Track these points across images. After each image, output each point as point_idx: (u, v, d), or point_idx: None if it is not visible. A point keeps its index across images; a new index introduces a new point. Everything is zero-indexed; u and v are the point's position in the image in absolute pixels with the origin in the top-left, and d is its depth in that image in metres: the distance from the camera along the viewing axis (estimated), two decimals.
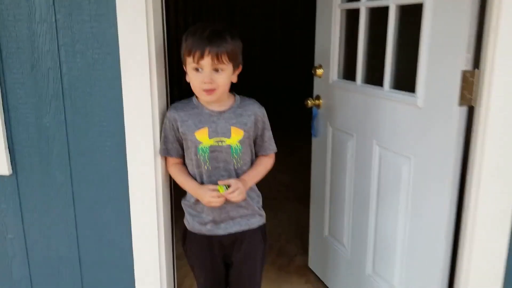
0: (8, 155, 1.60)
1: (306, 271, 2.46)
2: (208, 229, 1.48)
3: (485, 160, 1.33)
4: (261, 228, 1.55)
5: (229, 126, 1.42)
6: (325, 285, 2.30)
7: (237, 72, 1.42)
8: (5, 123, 1.58)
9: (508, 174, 1.32)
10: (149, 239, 1.60)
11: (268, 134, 1.52)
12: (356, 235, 1.99)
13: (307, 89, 2.41)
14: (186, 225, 1.53)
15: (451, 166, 1.46)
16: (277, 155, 1.58)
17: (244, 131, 1.43)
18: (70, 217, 1.64)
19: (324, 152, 2.17)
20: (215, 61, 1.32)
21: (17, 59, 1.52)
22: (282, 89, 6.81)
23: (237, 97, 1.49)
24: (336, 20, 1.96)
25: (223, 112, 1.43)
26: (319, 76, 2.13)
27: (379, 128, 1.76)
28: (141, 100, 1.46)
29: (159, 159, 1.53)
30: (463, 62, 1.34)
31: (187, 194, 1.51)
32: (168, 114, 1.45)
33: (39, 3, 1.46)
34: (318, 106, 2.16)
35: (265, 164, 1.53)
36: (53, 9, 1.46)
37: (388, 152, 1.74)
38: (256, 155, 1.53)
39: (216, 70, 1.34)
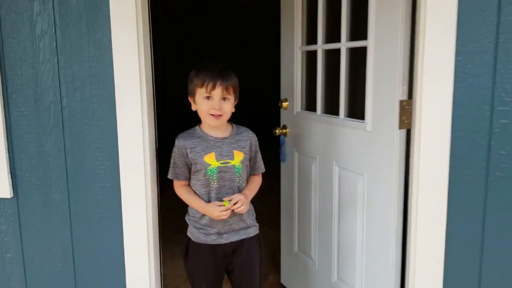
0: (10, 179, 1.79)
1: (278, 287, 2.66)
2: (212, 239, 1.72)
3: (421, 172, 1.63)
4: (257, 236, 1.82)
5: (232, 149, 1.70)
6: None
7: (235, 103, 1.71)
8: (8, 151, 1.78)
9: (439, 183, 1.61)
10: (140, 253, 1.80)
11: (259, 156, 1.81)
12: (322, 248, 2.24)
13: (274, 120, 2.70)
14: (191, 237, 1.76)
15: (396, 179, 1.75)
16: None
17: (244, 153, 1.72)
18: (67, 235, 1.83)
19: (291, 175, 2.44)
20: (224, 92, 1.62)
21: (22, 94, 1.74)
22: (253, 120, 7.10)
23: (234, 125, 1.78)
24: (297, 60, 2.28)
25: (226, 138, 1.71)
26: (285, 108, 2.42)
27: (337, 150, 2.05)
28: (134, 128, 1.70)
29: (149, 181, 1.75)
30: (400, 93, 1.66)
31: (191, 211, 1.76)
32: (178, 143, 1.71)
33: (43, 46, 1.70)
34: (285, 134, 2.44)
35: (257, 181, 1.82)
36: (55, 52, 1.70)
37: (346, 171, 2.02)
38: (249, 175, 1.80)
39: (224, 99, 1.63)
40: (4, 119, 1.75)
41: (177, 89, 5.83)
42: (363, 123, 1.86)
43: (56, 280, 1.87)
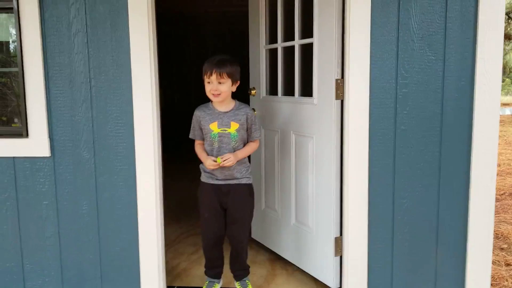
0: (49, 142, 2.37)
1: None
2: (214, 181, 2.41)
3: (351, 129, 2.33)
4: (248, 185, 2.46)
5: (230, 121, 2.35)
6: (264, 246, 3.17)
7: (235, 85, 2.34)
8: (47, 120, 2.35)
9: (362, 135, 2.32)
10: (149, 194, 2.40)
11: (254, 127, 2.41)
12: (284, 200, 2.91)
13: None
14: (201, 179, 2.45)
15: (334, 138, 2.45)
16: None
17: (240, 124, 2.36)
18: (92, 184, 2.41)
19: (259, 147, 3.11)
20: (219, 77, 2.26)
21: (59, 77, 2.33)
22: None
23: (237, 102, 2.41)
24: (262, 56, 2.97)
25: (227, 112, 2.36)
26: (253, 95, 3.10)
27: (294, 122, 2.74)
28: (145, 100, 2.33)
29: (157, 142, 2.37)
30: (335, 74, 2.38)
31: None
32: (195, 112, 2.40)
33: (77, 41, 2.31)
34: None
35: (251, 146, 2.44)
36: (86, 45, 2.31)
37: (300, 137, 2.72)
38: (247, 141, 2.46)
39: (220, 83, 2.27)
40: (45, 95, 2.33)
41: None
42: (311, 99, 2.57)
43: (83, 220, 2.44)
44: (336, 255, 2.54)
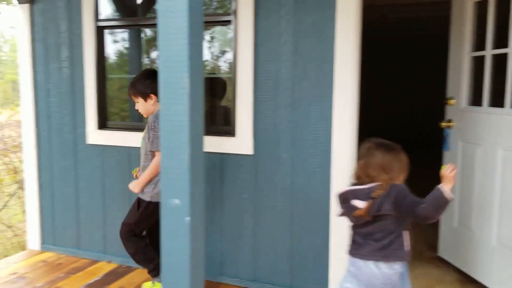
0: (253, 142, 2.60)
1: (434, 260, 3.11)
2: None
3: None
4: (141, 199, 2.48)
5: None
6: (454, 265, 2.94)
7: (151, 99, 2.42)
8: (253, 122, 2.59)
9: None
10: None
11: (153, 134, 2.35)
12: (483, 219, 2.66)
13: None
14: None
15: None
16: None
17: (145, 131, 2.45)
18: (288, 183, 2.57)
19: (454, 161, 2.90)
20: (133, 98, 2.47)
21: (266, 83, 2.55)
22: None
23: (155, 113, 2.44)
24: (465, 64, 2.78)
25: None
26: (451, 105, 2.92)
27: (502, 135, 2.49)
28: (344, 108, 2.39)
29: (354, 148, 2.41)
30: None
31: None
32: None
33: (285, 51, 2.49)
34: (449, 127, 2.93)
35: (151, 164, 2.41)
36: (293, 54, 2.47)
37: (510, 152, 2.45)
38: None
39: (135, 102, 2.47)
40: (253, 99, 2.57)
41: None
42: None
43: (277, 216, 2.61)
44: None
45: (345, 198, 1.84)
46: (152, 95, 2.41)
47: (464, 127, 2.81)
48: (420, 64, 7.94)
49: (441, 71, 3.07)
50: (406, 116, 8.10)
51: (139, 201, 2.48)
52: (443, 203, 1.66)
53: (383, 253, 1.77)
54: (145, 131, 2.46)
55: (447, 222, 3.02)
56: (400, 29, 7.00)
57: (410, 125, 7.89)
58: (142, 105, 2.45)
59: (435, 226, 3.23)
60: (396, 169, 1.78)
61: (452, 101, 2.91)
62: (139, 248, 2.48)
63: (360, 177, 1.83)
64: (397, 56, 7.97)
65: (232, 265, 2.75)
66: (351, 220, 1.86)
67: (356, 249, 1.84)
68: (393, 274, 1.78)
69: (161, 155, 1.39)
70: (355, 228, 1.87)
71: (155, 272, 2.49)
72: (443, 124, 2.96)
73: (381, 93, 8.01)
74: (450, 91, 2.96)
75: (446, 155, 3.02)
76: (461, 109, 2.83)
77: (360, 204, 1.77)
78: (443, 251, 3.09)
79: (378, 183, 1.76)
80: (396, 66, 8.05)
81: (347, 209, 1.84)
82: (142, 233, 2.52)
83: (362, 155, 1.84)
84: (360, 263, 1.80)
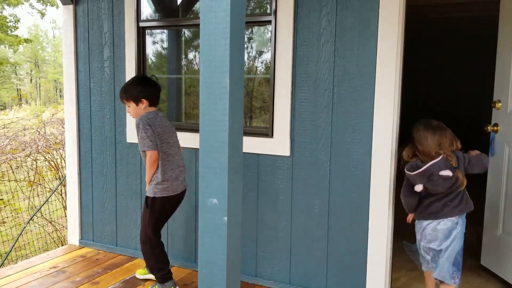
0: (290, 143, 2.58)
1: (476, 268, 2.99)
2: None
3: None
4: (147, 197, 2.55)
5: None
6: (496, 275, 2.82)
7: (142, 103, 2.49)
8: (290, 123, 2.56)
9: None
10: (382, 206, 2.38)
11: (141, 134, 2.44)
12: None
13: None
14: None
15: None
16: None
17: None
18: (325, 185, 2.53)
19: (500, 166, 2.78)
20: (125, 102, 2.56)
21: (305, 84, 2.52)
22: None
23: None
24: None
25: None
26: (498, 108, 2.79)
27: None
28: (387, 112, 2.32)
29: (394, 150, 2.34)
30: None
31: None
32: None
33: (325, 51, 2.45)
34: (496, 131, 2.81)
35: (147, 165, 2.53)
36: (333, 54, 2.43)
37: None
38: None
39: (127, 106, 2.56)
40: (291, 100, 2.55)
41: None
42: None
43: (314, 218, 2.57)
44: None
45: (430, 174, 2.09)
46: (144, 100, 2.51)
47: (511, 132, 2.69)
48: (461, 66, 7.72)
49: (483, 73, 2.94)
50: (448, 119, 7.87)
51: (146, 200, 2.56)
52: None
53: (459, 208, 2.17)
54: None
55: (491, 230, 2.89)
56: (443, 29, 6.81)
57: (452, 129, 7.69)
58: (133, 109, 2.56)
59: (477, 234, 3.11)
60: (449, 142, 2.15)
61: (499, 105, 2.79)
62: (154, 254, 2.58)
63: (429, 154, 2.11)
64: (440, 56, 7.75)
65: (267, 267, 2.73)
66: (439, 190, 2.13)
67: (436, 213, 2.18)
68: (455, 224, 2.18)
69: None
70: (431, 197, 2.18)
71: (160, 280, 2.59)
72: (489, 128, 2.84)
73: (421, 96, 7.82)
74: (496, 94, 2.83)
75: (491, 160, 2.90)
76: (509, 113, 2.71)
77: (448, 172, 2.07)
78: (486, 259, 2.96)
79: (442, 156, 2.09)
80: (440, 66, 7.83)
81: (435, 181, 2.09)
82: (160, 230, 2.61)
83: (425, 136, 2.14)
84: (435, 223, 2.18)
